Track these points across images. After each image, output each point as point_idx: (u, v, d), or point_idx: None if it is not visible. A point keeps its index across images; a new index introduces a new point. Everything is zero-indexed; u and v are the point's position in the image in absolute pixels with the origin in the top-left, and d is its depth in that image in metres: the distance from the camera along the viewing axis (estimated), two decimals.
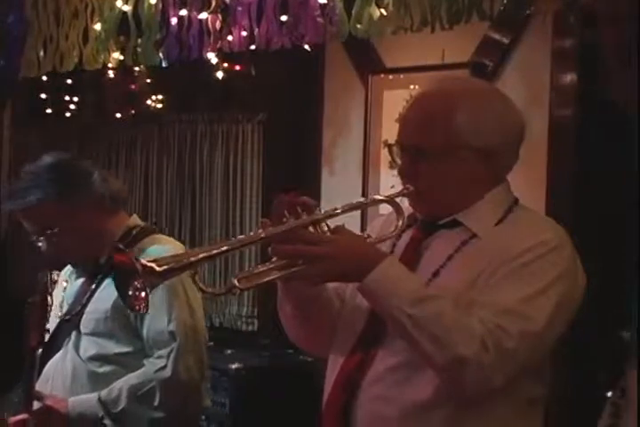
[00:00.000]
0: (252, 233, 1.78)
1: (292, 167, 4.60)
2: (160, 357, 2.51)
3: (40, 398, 2.52)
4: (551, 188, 3.54)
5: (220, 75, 4.44)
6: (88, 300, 2.58)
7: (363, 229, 2.21)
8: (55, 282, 2.69)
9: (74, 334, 2.59)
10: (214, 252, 1.74)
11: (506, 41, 3.74)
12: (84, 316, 2.58)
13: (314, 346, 2.02)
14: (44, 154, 2.65)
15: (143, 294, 1.70)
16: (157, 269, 1.68)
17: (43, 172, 2.58)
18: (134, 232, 2.63)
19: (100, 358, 2.55)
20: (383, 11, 3.10)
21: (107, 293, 2.52)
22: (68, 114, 5.45)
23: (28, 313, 2.54)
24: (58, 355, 2.60)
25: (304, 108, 4.55)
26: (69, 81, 5.20)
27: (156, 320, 2.49)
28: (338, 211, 1.81)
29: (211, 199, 5.02)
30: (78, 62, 3.92)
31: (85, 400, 2.52)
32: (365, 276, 1.72)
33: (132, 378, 2.52)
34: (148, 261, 1.68)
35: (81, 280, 2.66)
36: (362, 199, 1.88)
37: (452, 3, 2.94)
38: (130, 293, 1.71)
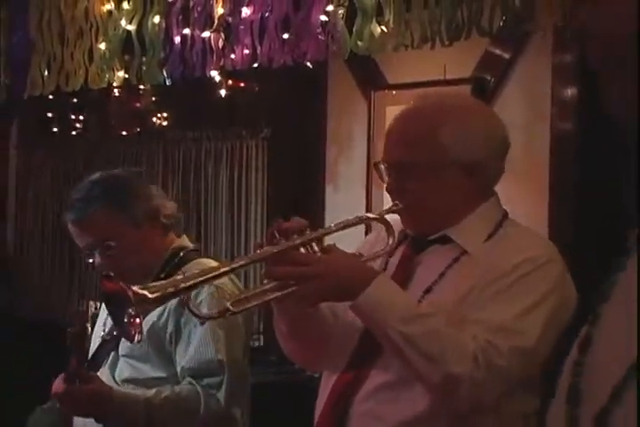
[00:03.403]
0: (242, 256, 1.80)
1: (297, 183, 4.62)
2: (209, 386, 2.43)
3: (85, 379, 2.42)
4: (553, 200, 3.56)
5: (223, 92, 4.48)
6: None
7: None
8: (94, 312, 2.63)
9: (112, 354, 2.57)
10: (206, 277, 1.76)
11: (506, 56, 3.77)
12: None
13: (308, 361, 2.04)
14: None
15: (137, 320, 1.72)
16: (150, 296, 1.69)
17: (102, 182, 2.56)
18: (181, 254, 2.58)
19: (133, 381, 2.51)
20: (384, 28, 3.14)
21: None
22: (73, 132, 5.49)
23: (70, 343, 2.49)
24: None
25: (307, 124, 4.58)
26: (75, 100, 5.25)
27: (203, 349, 2.43)
28: (328, 230, 1.83)
29: (216, 215, 5.05)
30: (84, 81, 3.97)
31: (130, 396, 2.44)
32: (357, 295, 1.73)
33: (182, 391, 2.43)
34: (140, 289, 1.70)
35: None
36: (352, 218, 1.88)
37: (451, 19, 2.97)
38: (125, 320, 1.73)
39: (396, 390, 1.81)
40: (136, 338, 1.75)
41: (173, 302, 2.42)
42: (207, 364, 2.43)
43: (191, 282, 1.74)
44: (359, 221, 1.89)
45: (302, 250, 1.78)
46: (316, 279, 1.73)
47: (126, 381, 2.52)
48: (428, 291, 1.84)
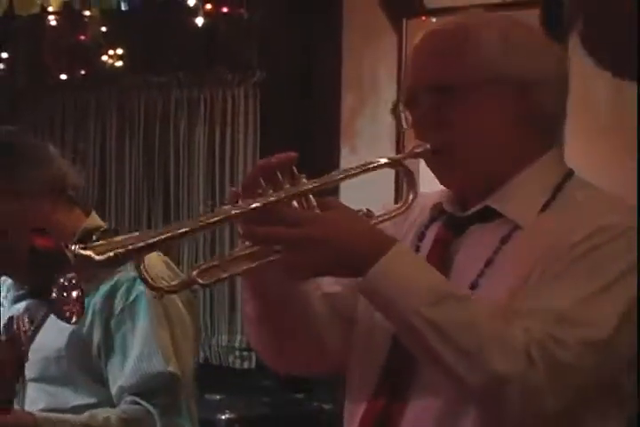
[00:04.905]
0: (216, 210, 1.77)
1: (301, 144, 4.62)
2: (161, 409, 2.47)
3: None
4: None
5: (200, 20, 4.47)
6: (34, 332, 2.56)
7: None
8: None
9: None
10: (169, 235, 1.75)
11: None
12: (29, 355, 2.54)
13: (284, 361, 2.02)
14: None
15: (76, 292, 1.71)
16: (96, 257, 1.68)
17: None
18: (95, 237, 2.59)
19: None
20: None
21: (61, 323, 2.50)
22: None
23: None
24: None
25: (315, 64, 4.58)
26: None
27: (146, 360, 2.46)
28: (330, 179, 1.82)
29: (190, 190, 5.04)
30: (7, 6, 3.96)
31: (60, 422, 2.46)
32: (367, 268, 1.73)
33: (126, 411, 2.45)
34: (84, 248, 1.68)
35: (23, 304, 2.64)
36: (360, 164, 1.86)
37: None
38: (58, 292, 1.72)
39: (449, 420, 1.80)
40: (73, 319, 1.74)
41: (97, 301, 2.46)
42: (154, 379, 2.45)
43: (150, 241, 1.72)
44: (370, 167, 1.86)
45: (295, 205, 1.78)
46: (310, 245, 1.72)
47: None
48: (473, 287, 1.84)
